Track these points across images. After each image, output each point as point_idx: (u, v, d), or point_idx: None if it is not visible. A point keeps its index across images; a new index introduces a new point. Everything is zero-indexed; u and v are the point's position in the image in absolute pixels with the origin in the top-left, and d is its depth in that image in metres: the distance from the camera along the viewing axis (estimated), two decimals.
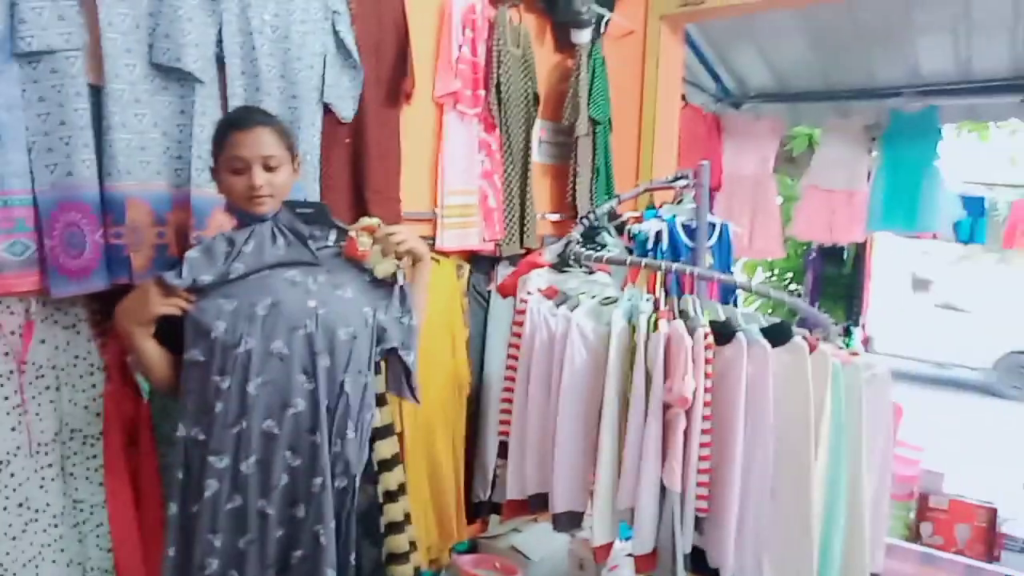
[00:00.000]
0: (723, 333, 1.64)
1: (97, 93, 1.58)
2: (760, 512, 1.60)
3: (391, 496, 1.76)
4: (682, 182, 2.18)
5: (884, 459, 1.68)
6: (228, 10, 1.77)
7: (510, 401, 1.93)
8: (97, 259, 1.57)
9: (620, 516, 1.71)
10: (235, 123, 1.50)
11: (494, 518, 2.78)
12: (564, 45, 3.07)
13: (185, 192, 1.72)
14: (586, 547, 2.09)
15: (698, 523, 1.64)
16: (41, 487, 1.54)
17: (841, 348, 1.68)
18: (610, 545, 1.75)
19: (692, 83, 4.42)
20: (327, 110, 2.06)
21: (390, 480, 1.76)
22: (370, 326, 1.53)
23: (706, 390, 1.60)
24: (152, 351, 1.47)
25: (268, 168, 1.48)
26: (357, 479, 1.50)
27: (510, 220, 2.76)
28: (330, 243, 1.58)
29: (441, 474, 2.48)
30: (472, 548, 2.70)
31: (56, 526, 1.56)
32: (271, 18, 1.87)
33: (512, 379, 1.92)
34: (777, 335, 1.62)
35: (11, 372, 1.51)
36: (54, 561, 1.54)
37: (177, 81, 1.71)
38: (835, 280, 5.71)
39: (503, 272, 2.71)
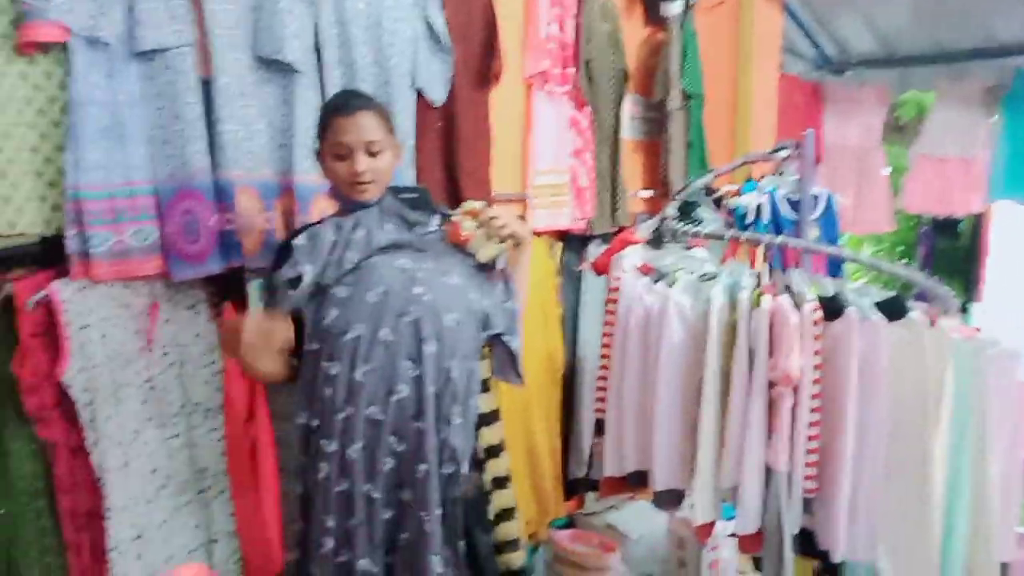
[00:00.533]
0: (832, 308, 1.57)
1: (207, 86, 1.67)
2: (874, 493, 1.53)
3: (500, 483, 1.71)
4: (784, 153, 2.09)
5: (1012, 442, 1.57)
6: (324, 1, 1.83)
7: (605, 379, 1.91)
8: (212, 244, 1.66)
9: (723, 495, 1.67)
10: (337, 108, 1.50)
11: (590, 496, 2.77)
12: (654, 18, 2.99)
13: (289, 179, 1.80)
14: (686, 526, 2.06)
15: (806, 504, 1.58)
16: (170, 456, 1.66)
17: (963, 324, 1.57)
18: (712, 524, 1.72)
19: (790, 51, 4.22)
20: (419, 95, 2.09)
21: (498, 467, 1.69)
22: (475, 312, 1.51)
23: (815, 367, 1.53)
24: (286, 370, 1.49)
25: (371, 153, 1.48)
26: (463, 466, 1.48)
27: (601, 198, 2.73)
28: (432, 228, 1.57)
29: (537, 451, 2.50)
30: (569, 524, 2.71)
31: (184, 492, 1.67)
32: (364, 6, 1.91)
33: (607, 356, 1.90)
34: (892, 309, 1.54)
35: (140, 350, 1.62)
36: (183, 523, 1.66)
37: (279, 72, 1.78)
38: (949, 254, 5.33)
39: (595, 251, 2.69)
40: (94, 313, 1.56)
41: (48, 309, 1.51)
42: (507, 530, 1.75)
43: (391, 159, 1.53)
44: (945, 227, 5.37)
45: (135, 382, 1.61)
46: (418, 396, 1.41)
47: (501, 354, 1.60)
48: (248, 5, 1.72)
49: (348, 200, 1.53)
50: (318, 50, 1.85)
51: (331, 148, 1.49)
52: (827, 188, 2.52)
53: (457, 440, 1.45)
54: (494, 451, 1.75)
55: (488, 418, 1.75)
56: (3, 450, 1.50)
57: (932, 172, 4.17)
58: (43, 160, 1.53)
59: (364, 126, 1.47)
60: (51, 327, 1.51)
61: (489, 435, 1.71)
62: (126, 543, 1.57)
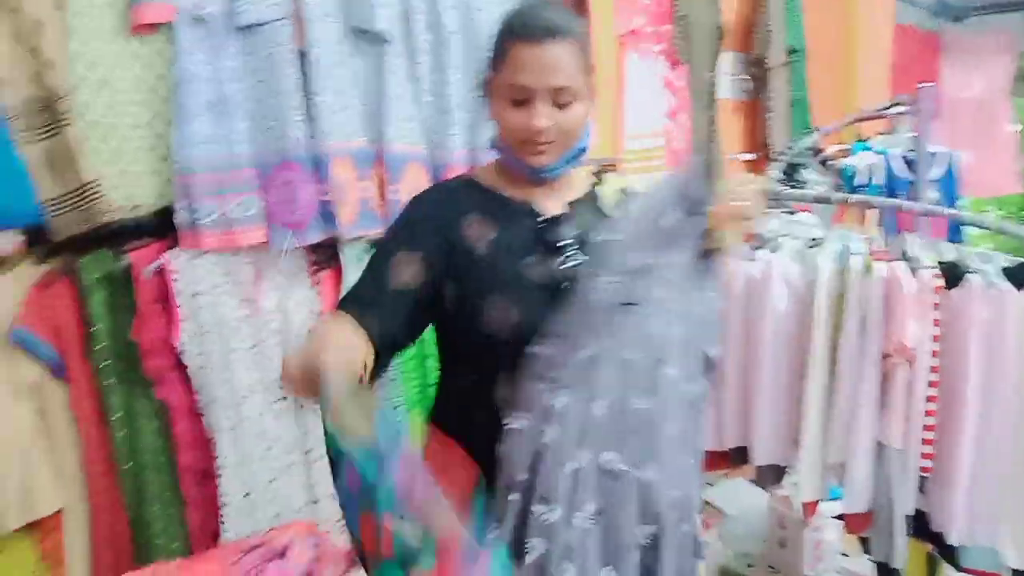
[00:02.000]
0: (952, 275, 1.46)
1: (302, 58, 1.69)
2: (998, 474, 1.42)
3: None
4: (898, 109, 1.94)
5: None
6: None
7: None
8: (310, 214, 1.70)
9: (829, 472, 1.60)
10: (523, 31, 1.05)
11: None
12: None
13: (380, 148, 1.81)
14: (787, 504, 1.99)
15: (920, 483, 1.49)
16: (276, 419, 1.72)
17: None
18: (817, 503, 1.65)
19: None
20: None
21: None
22: (695, 316, 1.09)
23: (933, 338, 1.43)
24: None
25: (559, 104, 1.06)
26: (700, 519, 1.14)
27: None
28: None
29: None
30: None
31: (289, 453, 1.74)
32: None
33: None
34: (1020, 276, 1.41)
35: (246, 316, 1.69)
36: (289, 483, 1.73)
37: (370, 43, 1.79)
38: None
39: None
40: (204, 281, 1.63)
41: (163, 278, 1.59)
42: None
43: (584, 109, 1.10)
44: None
45: (242, 347, 1.68)
46: (649, 437, 1.04)
47: None
48: None
49: (516, 161, 1.12)
50: (407, 18, 1.85)
51: (505, 88, 1.07)
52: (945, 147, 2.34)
53: (693, 487, 1.11)
54: None
55: None
56: (130, 410, 1.60)
57: None
58: (155, 136, 1.59)
59: (555, 64, 1.04)
60: (167, 295, 1.60)
61: None
62: (237, 500, 1.65)
